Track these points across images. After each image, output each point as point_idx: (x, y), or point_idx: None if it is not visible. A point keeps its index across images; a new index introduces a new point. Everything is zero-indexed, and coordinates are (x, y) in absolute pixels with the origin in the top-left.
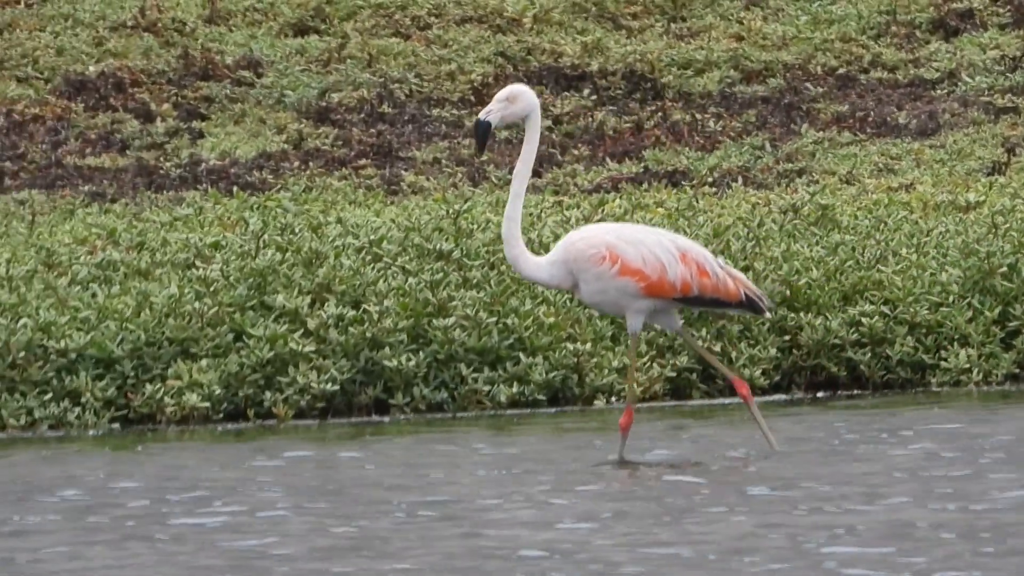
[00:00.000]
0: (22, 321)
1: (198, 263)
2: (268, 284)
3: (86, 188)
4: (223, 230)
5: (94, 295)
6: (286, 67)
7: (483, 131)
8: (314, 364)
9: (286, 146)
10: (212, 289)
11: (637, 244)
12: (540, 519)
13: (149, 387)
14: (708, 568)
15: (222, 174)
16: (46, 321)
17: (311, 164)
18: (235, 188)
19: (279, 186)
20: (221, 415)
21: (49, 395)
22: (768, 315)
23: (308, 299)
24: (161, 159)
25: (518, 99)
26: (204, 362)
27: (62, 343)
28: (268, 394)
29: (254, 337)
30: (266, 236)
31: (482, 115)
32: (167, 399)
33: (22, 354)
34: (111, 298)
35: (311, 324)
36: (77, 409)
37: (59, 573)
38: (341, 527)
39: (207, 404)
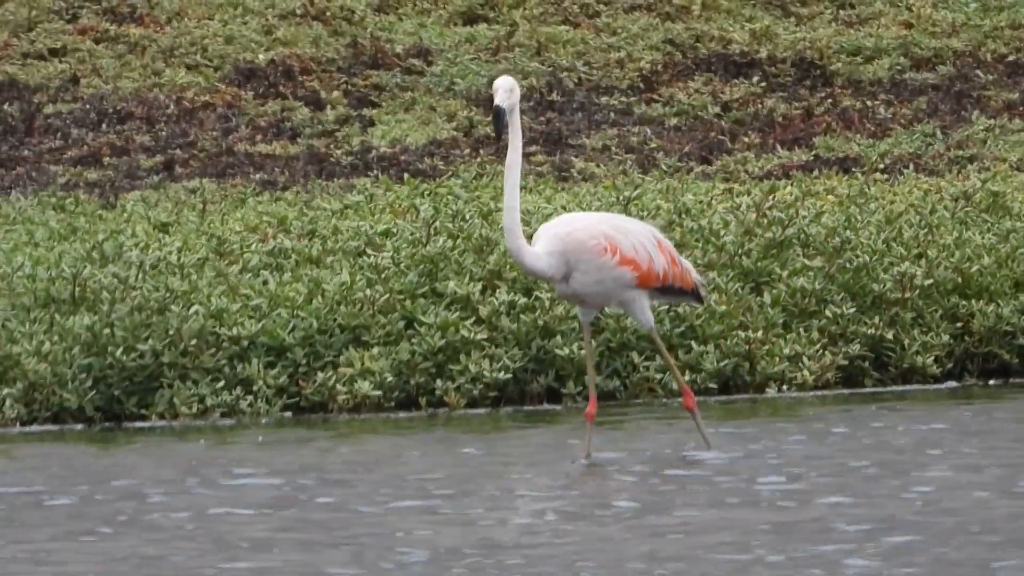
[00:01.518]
0: (194, 308)
1: (369, 250)
2: (439, 271)
3: (257, 176)
4: (394, 217)
5: (265, 283)
6: (455, 55)
7: (504, 117)
8: (486, 352)
9: (456, 133)
10: (383, 276)
11: (627, 234)
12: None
13: (320, 375)
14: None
15: (393, 161)
16: (218, 308)
17: (481, 151)
18: (406, 175)
19: (450, 173)
20: (392, 403)
21: (221, 383)
22: (704, 305)
23: (479, 286)
24: (332, 147)
25: (515, 89)
26: (376, 350)
27: (234, 331)
28: (439, 382)
29: (425, 324)
30: (437, 223)
31: (499, 102)
32: (339, 387)
33: (194, 341)
34: (282, 286)
35: (483, 311)
36: (249, 397)
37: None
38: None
39: (379, 392)
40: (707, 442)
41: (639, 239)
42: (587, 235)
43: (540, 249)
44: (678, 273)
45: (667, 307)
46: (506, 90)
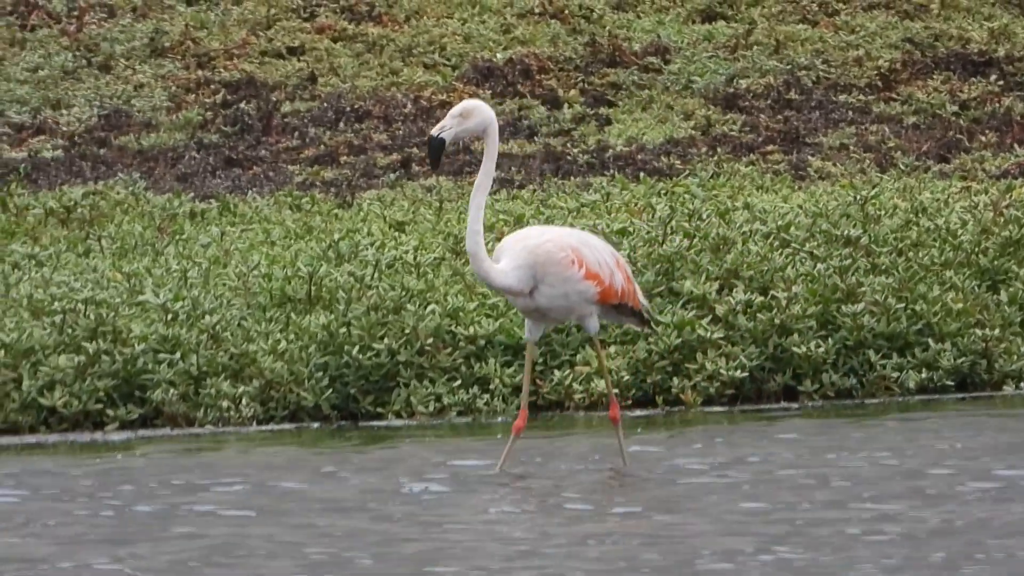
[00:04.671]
0: (430, 307)
1: None
2: (676, 270)
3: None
4: (630, 216)
5: None
6: (693, 53)
7: (436, 147)
8: (723, 350)
9: (693, 132)
10: None
11: (592, 248)
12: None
13: (557, 373)
14: None
15: (629, 160)
16: (454, 307)
17: (718, 150)
18: (642, 174)
19: (686, 172)
20: (629, 401)
21: (458, 382)
22: (648, 330)
23: (716, 285)
24: (568, 145)
25: (472, 115)
26: (612, 348)
27: (470, 329)
28: (676, 380)
29: (662, 323)
30: (673, 222)
31: (435, 131)
32: (575, 385)
33: (430, 340)
34: None
35: (719, 310)
36: (486, 396)
37: None
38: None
39: (615, 390)
40: (624, 459)
41: (601, 255)
42: (556, 247)
43: (506, 264)
44: (631, 292)
45: (906, 306)
46: (453, 116)
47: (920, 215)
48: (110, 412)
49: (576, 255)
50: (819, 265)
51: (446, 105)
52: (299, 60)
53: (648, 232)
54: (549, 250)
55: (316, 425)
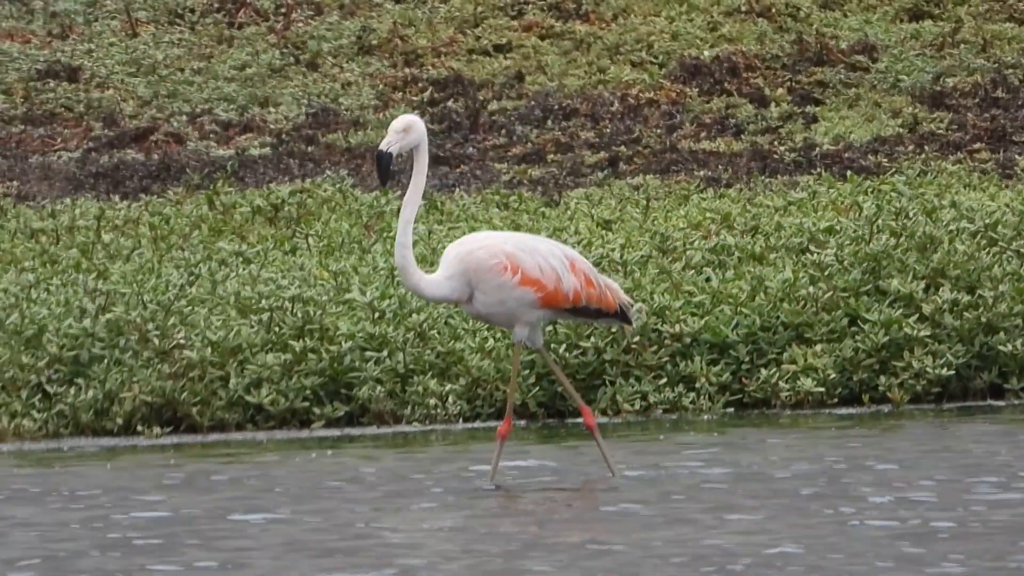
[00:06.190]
0: (637, 305)
1: (812, 247)
2: (882, 268)
3: (701, 173)
4: (837, 214)
5: (708, 280)
6: (900, 52)
7: (386, 162)
8: (929, 349)
9: (900, 130)
10: (827, 273)
11: (533, 253)
12: None
13: (764, 372)
14: None
15: (836, 158)
16: (660, 306)
17: (925, 148)
18: (849, 172)
19: (893, 170)
20: (835, 400)
21: (663, 380)
22: (634, 327)
23: (922, 284)
24: (775, 143)
25: (411, 129)
26: (819, 347)
27: (676, 327)
28: (883, 379)
29: (869, 322)
30: (880, 220)
31: (383, 147)
32: (782, 384)
33: (636, 338)
34: (725, 283)
35: (926, 309)
36: (691, 394)
37: None
38: None
39: (822, 389)
40: (611, 469)
41: (546, 259)
42: (487, 254)
43: (440, 274)
44: (594, 294)
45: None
46: (396, 132)
47: None
48: (317, 410)
49: (511, 261)
50: None
51: (653, 103)
52: (506, 58)
53: (855, 230)
54: (479, 257)
55: (523, 423)
